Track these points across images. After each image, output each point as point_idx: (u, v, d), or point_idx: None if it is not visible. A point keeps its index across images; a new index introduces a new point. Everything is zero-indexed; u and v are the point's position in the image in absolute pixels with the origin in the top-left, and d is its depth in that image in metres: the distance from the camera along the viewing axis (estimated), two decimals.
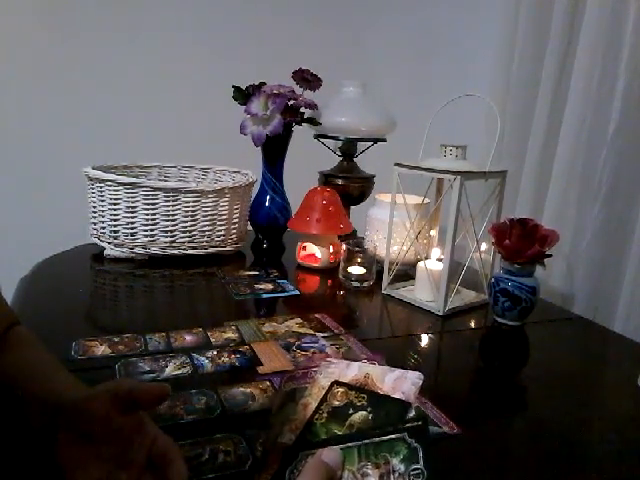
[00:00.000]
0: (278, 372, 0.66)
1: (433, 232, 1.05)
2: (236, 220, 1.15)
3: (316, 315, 0.86)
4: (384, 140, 1.29)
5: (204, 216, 1.09)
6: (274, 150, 1.23)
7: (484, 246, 0.97)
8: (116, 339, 0.73)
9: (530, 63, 1.19)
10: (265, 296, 0.94)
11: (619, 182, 1.00)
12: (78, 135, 1.59)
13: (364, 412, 0.40)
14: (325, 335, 0.78)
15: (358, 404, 0.41)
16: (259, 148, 1.22)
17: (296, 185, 1.19)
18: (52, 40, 1.55)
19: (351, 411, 0.41)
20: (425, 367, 0.74)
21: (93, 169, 1.09)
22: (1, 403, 0.45)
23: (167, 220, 1.07)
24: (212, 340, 0.75)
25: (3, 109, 1.54)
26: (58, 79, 1.57)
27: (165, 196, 1.05)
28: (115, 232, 1.08)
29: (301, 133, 1.26)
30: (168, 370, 0.65)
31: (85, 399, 0.42)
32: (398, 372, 0.44)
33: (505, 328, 0.88)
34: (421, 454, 0.35)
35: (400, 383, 0.42)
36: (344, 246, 1.02)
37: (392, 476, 0.35)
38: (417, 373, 0.43)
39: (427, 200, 1.03)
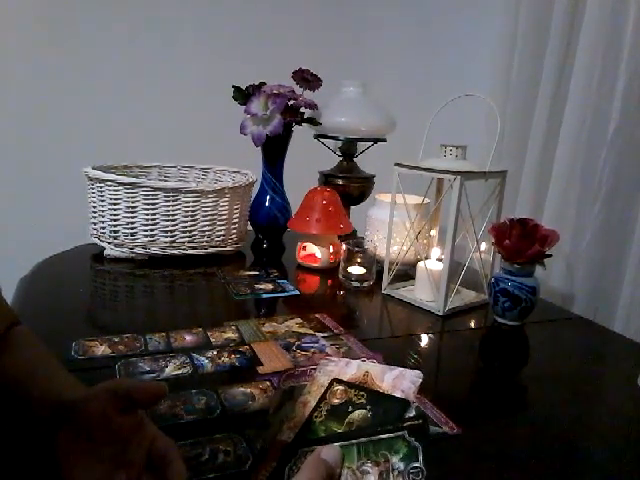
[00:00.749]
0: (278, 372, 0.66)
1: (433, 232, 1.05)
2: (236, 220, 1.15)
3: (316, 315, 0.86)
4: (384, 140, 1.29)
5: (204, 216, 1.09)
6: (274, 150, 1.23)
7: (484, 246, 0.97)
8: (116, 339, 0.73)
9: (530, 63, 1.19)
10: (265, 296, 0.94)
11: (619, 182, 1.00)
12: (78, 135, 1.59)
13: (363, 410, 0.40)
14: (325, 335, 0.78)
15: (357, 402, 0.41)
16: (259, 148, 1.22)
17: (296, 185, 1.19)
18: (52, 40, 1.56)
19: (350, 409, 0.41)
20: (425, 367, 0.74)
21: (93, 169, 1.09)
22: (1, 403, 0.45)
23: (167, 220, 1.07)
24: (212, 340, 0.75)
25: (3, 109, 1.54)
26: (58, 79, 1.57)
27: (165, 196, 1.05)
28: (115, 232, 1.08)
29: (301, 133, 1.26)
30: (168, 370, 0.65)
31: (84, 399, 0.42)
32: (397, 370, 0.44)
33: (505, 328, 0.88)
34: (420, 452, 0.35)
35: (399, 381, 0.42)
36: (344, 246, 1.02)
37: (391, 474, 0.35)
38: (416, 371, 0.43)
39: (427, 200, 1.03)
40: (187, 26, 1.66)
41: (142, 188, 1.05)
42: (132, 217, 1.06)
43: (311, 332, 0.79)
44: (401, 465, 0.35)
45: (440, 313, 0.90)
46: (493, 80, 1.30)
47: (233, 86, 1.21)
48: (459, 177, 0.85)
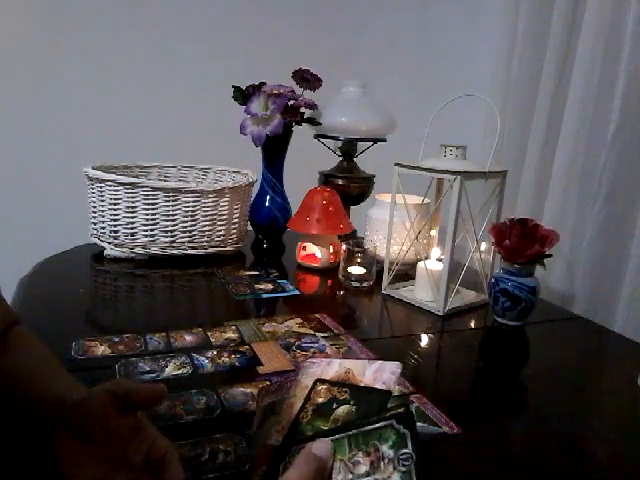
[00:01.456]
0: (278, 372, 0.66)
1: (433, 232, 1.05)
2: (236, 220, 1.15)
3: (316, 315, 0.86)
4: (384, 140, 1.29)
5: (204, 216, 1.09)
6: (274, 150, 1.23)
7: (484, 246, 0.97)
8: (116, 339, 0.73)
9: (530, 63, 1.19)
10: (265, 296, 0.94)
11: (619, 182, 1.00)
12: (78, 135, 1.59)
13: (347, 405, 0.41)
14: (325, 335, 0.78)
15: (341, 398, 0.42)
16: (259, 148, 1.22)
17: (296, 185, 1.19)
18: (52, 40, 1.56)
19: (335, 405, 0.42)
20: (425, 367, 0.74)
21: (93, 169, 1.09)
22: (1, 403, 0.45)
23: (167, 220, 1.07)
24: (212, 340, 0.75)
25: (3, 109, 1.54)
26: (58, 79, 1.57)
27: (165, 196, 1.05)
28: (115, 232, 1.08)
29: (301, 133, 1.26)
30: (168, 370, 0.65)
31: (83, 400, 0.43)
32: (377, 364, 0.44)
33: (505, 328, 0.88)
34: (409, 439, 0.35)
35: (380, 374, 0.43)
36: (344, 246, 1.02)
37: (382, 462, 0.35)
38: (396, 363, 0.44)
39: (427, 200, 1.03)
40: (187, 26, 1.66)
41: (142, 188, 1.05)
42: (132, 217, 1.06)
43: (311, 332, 0.79)
44: (391, 453, 0.35)
45: (440, 313, 0.90)
46: (493, 80, 1.30)
47: (233, 86, 1.21)
48: (459, 177, 0.85)
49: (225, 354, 0.70)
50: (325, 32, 1.77)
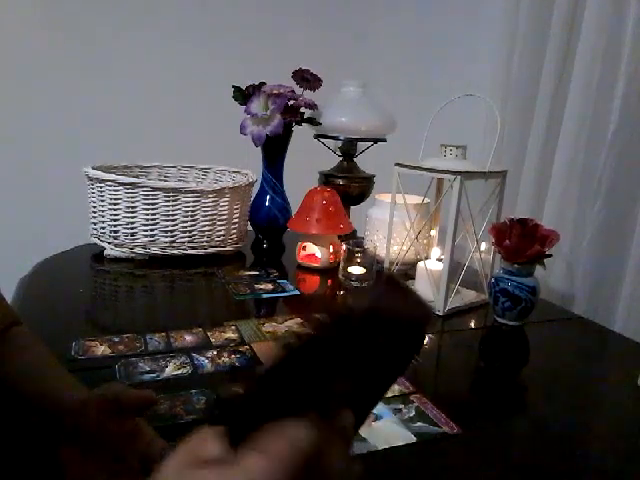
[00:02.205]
0: None
1: (433, 232, 1.05)
2: (236, 220, 1.15)
3: (316, 315, 0.86)
4: (384, 140, 1.29)
5: (204, 216, 1.09)
6: (274, 150, 1.23)
7: (484, 246, 0.97)
8: (116, 339, 0.73)
9: (530, 63, 1.19)
10: (265, 296, 0.94)
11: (619, 182, 1.00)
12: (78, 135, 1.58)
13: None
14: None
15: None
16: (259, 148, 1.22)
17: (296, 185, 1.19)
18: (52, 40, 1.55)
19: None
20: (425, 367, 0.74)
21: (93, 169, 1.09)
22: (1, 403, 0.45)
23: (167, 220, 1.07)
24: (212, 340, 0.74)
25: (3, 109, 1.54)
26: (58, 79, 1.57)
27: (165, 196, 1.05)
28: (115, 232, 1.08)
29: (301, 133, 1.26)
30: (168, 370, 0.65)
31: (79, 403, 0.43)
32: None
33: (505, 328, 0.88)
34: None
35: None
36: (344, 246, 1.02)
37: None
38: None
39: (427, 200, 1.03)
40: (187, 26, 1.66)
41: (142, 188, 1.04)
42: (132, 217, 1.06)
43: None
44: None
45: (440, 313, 0.90)
46: (493, 80, 1.30)
47: (233, 86, 1.21)
48: (459, 177, 0.85)
49: (225, 354, 0.70)
50: (325, 32, 1.77)
